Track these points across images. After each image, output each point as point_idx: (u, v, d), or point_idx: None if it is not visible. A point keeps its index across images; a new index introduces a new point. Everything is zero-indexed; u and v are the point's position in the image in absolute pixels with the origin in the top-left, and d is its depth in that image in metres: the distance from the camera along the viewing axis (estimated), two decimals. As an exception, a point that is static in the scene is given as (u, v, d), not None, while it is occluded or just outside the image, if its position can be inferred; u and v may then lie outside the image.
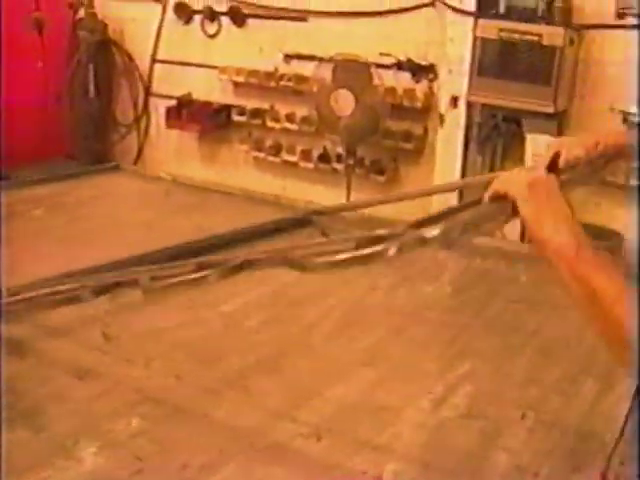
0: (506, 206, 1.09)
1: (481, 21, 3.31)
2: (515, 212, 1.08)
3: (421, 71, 3.71)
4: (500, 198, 1.12)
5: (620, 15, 3.32)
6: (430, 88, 3.72)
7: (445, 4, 3.44)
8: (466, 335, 1.61)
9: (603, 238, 3.39)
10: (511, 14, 3.34)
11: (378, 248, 1.03)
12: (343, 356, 1.46)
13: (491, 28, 3.29)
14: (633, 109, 3.38)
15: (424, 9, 3.62)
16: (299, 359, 1.45)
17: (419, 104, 3.68)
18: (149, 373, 1.34)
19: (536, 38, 3.21)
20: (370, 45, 3.68)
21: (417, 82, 3.73)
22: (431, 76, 3.71)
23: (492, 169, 3.61)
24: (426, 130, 3.81)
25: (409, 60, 3.69)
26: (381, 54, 3.68)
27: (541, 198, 1.08)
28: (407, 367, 1.45)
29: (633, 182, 3.31)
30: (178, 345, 1.44)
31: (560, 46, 3.19)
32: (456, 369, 1.44)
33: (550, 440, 1.22)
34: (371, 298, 1.74)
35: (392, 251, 1.03)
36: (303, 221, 2.15)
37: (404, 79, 3.73)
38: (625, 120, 3.40)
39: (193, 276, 1.03)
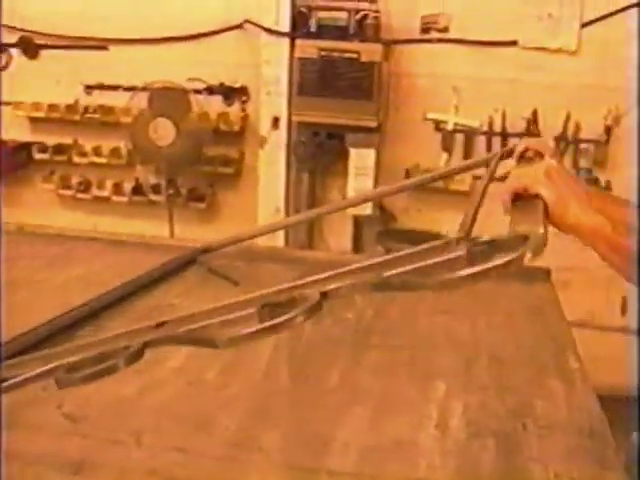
0: (533, 206, 1.12)
1: (299, 41, 3.41)
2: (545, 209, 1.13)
3: (233, 94, 3.74)
4: (519, 197, 1.19)
5: (425, 30, 3.61)
6: (244, 110, 3.77)
7: (258, 26, 3.51)
8: (418, 354, 1.66)
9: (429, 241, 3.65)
10: (323, 32, 3.50)
11: (285, 317, 0.96)
12: (325, 396, 1.46)
13: (310, 48, 3.40)
14: (445, 118, 3.68)
15: (233, 31, 3.67)
16: (285, 406, 1.42)
17: (236, 127, 3.71)
18: (148, 451, 1.24)
19: (355, 55, 3.38)
20: (179, 70, 3.64)
21: (229, 105, 3.76)
22: (244, 98, 3.76)
23: (317, 186, 3.76)
24: (242, 153, 3.85)
25: (221, 84, 3.72)
26: (189, 79, 3.66)
27: (560, 183, 1.16)
28: (390, 397, 1.47)
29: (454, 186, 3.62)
30: (156, 412, 1.35)
31: (378, 62, 3.39)
32: (435, 390, 1.48)
33: (562, 443, 1.31)
34: (307, 331, 1.75)
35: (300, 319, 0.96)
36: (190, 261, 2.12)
37: (216, 103, 3.75)
38: (437, 128, 3.71)
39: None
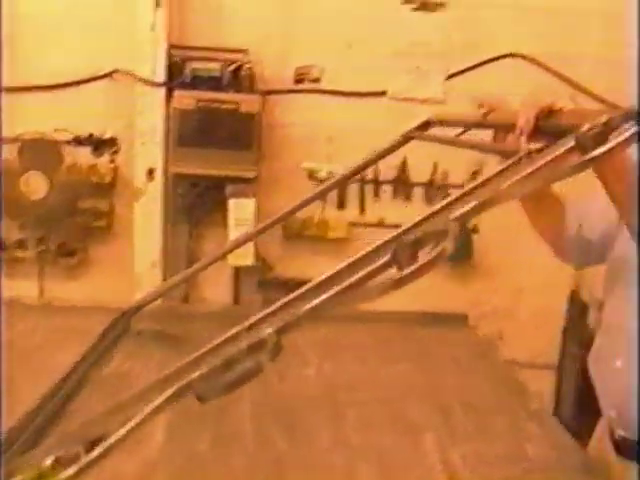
0: None
1: (177, 92, 3.69)
2: None
3: (103, 145, 3.96)
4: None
5: (298, 81, 4.02)
6: (113, 162, 3.99)
7: (133, 75, 3.76)
8: (393, 407, 1.92)
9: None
10: (198, 83, 3.81)
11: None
12: (326, 457, 1.68)
13: (187, 98, 3.70)
14: (318, 166, 4.08)
15: (102, 81, 3.90)
16: (294, 472, 1.64)
17: (107, 179, 3.92)
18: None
19: (234, 106, 3.71)
20: (46, 121, 3.81)
21: (99, 157, 3.96)
22: (114, 149, 3.98)
23: (197, 237, 4.04)
24: (113, 206, 4.05)
25: (90, 135, 3.92)
26: (57, 130, 3.84)
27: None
28: (387, 453, 1.63)
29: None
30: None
31: (257, 112, 3.74)
32: (423, 440, 1.70)
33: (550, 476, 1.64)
34: (276, 390, 1.96)
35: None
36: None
37: (85, 154, 3.94)
38: (311, 177, 4.10)
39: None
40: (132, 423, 0.92)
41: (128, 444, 0.96)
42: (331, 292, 0.94)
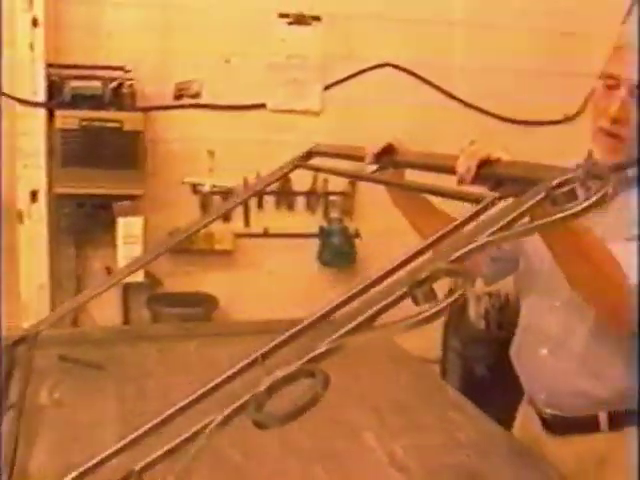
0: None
1: (59, 112, 3.84)
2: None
3: (-21, 168, 4.06)
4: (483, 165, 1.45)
5: (178, 96, 4.25)
6: (-8, 185, 4.09)
7: (11, 97, 3.89)
8: (328, 410, 2.16)
9: (199, 303, 4.26)
10: (78, 102, 3.97)
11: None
12: (280, 462, 1.77)
13: (70, 118, 3.86)
14: (201, 180, 4.33)
15: (-23, 104, 4.00)
16: None
17: (-13, 203, 4.03)
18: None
19: (117, 124, 3.90)
20: None
21: (-24, 181, 4.06)
22: (-7, 173, 4.08)
23: (84, 257, 4.20)
24: (-6, 230, 4.15)
25: (-36, 158, 4.01)
26: None
27: None
28: (335, 452, 1.83)
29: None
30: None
31: (141, 130, 3.95)
32: (365, 438, 1.88)
33: (508, 463, 1.86)
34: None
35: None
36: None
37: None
38: (195, 191, 4.35)
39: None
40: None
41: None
42: (355, 322, 1.04)
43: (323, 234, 4.47)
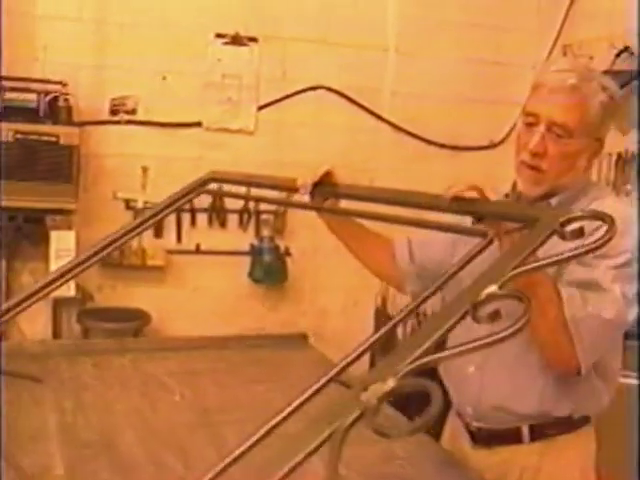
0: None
1: (-5, 124, 3.86)
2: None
3: None
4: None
5: (114, 112, 4.28)
6: None
7: (-56, 108, 3.88)
8: (260, 422, 2.22)
9: (131, 318, 4.28)
10: (12, 114, 3.97)
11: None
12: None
13: (5, 130, 3.86)
14: (134, 196, 4.37)
15: None
16: None
17: None
18: None
19: (54, 138, 3.91)
20: None
21: None
22: None
23: (14, 271, 4.19)
24: None
25: None
26: None
27: None
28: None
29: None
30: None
31: (76, 144, 3.97)
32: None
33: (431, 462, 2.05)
34: (145, 418, 2.24)
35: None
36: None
37: None
38: (128, 207, 4.38)
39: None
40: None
41: None
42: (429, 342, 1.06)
43: (254, 251, 4.53)
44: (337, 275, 4.48)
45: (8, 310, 1.94)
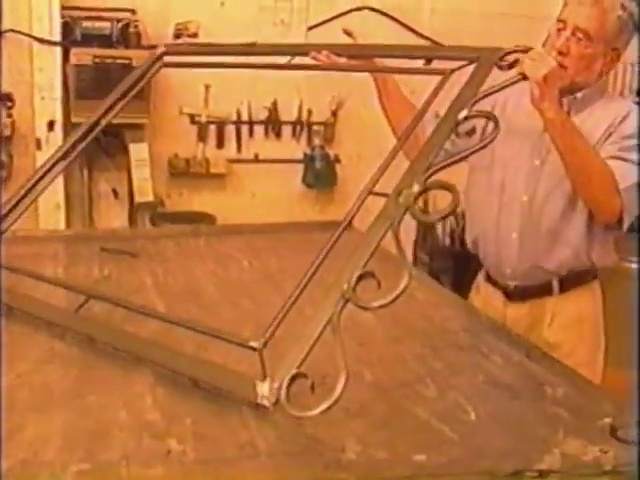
0: None
1: (74, 50, 4.36)
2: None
3: (-1, 101, 4.57)
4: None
5: (177, 36, 4.75)
6: (10, 116, 4.60)
7: (29, 35, 4.39)
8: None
9: (197, 220, 4.82)
10: (88, 41, 4.48)
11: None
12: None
13: (85, 55, 4.37)
14: (198, 111, 4.87)
15: (-7, 41, 4.49)
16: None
17: (7, 132, 4.54)
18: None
19: (127, 61, 4.41)
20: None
21: (-5, 112, 4.57)
22: (9, 104, 4.59)
23: (95, 179, 4.75)
24: (11, 157, 4.67)
25: (-13, 92, 4.52)
26: (-51, 89, 4.42)
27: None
28: None
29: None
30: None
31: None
32: None
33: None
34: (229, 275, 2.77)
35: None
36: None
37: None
38: (192, 121, 4.89)
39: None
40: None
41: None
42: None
43: (307, 159, 5.03)
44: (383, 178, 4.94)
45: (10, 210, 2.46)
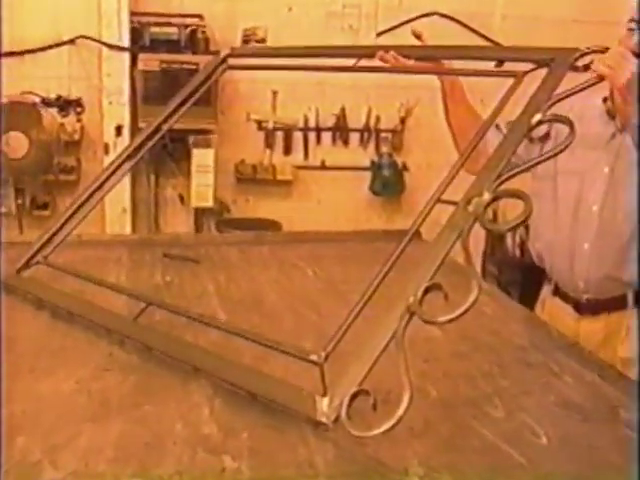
0: None
1: (142, 55, 4.38)
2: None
3: (69, 106, 4.61)
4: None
5: (245, 41, 4.74)
6: (79, 121, 4.65)
7: (98, 41, 4.43)
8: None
9: (263, 227, 4.79)
10: (156, 46, 4.50)
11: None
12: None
13: (152, 61, 4.39)
14: (265, 117, 4.85)
15: (64, 47, 4.55)
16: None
17: (76, 137, 4.59)
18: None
19: (194, 66, 4.41)
20: (13, 85, 4.42)
21: (64, 117, 4.61)
22: (79, 109, 4.64)
23: (161, 185, 4.77)
24: (79, 161, 4.72)
25: (58, 97, 4.56)
26: (23, 93, 4.47)
27: None
28: None
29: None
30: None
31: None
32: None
33: None
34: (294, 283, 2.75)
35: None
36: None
37: (52, 115, 4.58)
38: (260, 127, 4.88)
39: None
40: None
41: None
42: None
43: (374, 167, 4.97)
44: (451, 189, 4.86)
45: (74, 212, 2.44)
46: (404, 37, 4.87)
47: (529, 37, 4.94)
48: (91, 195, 2.54)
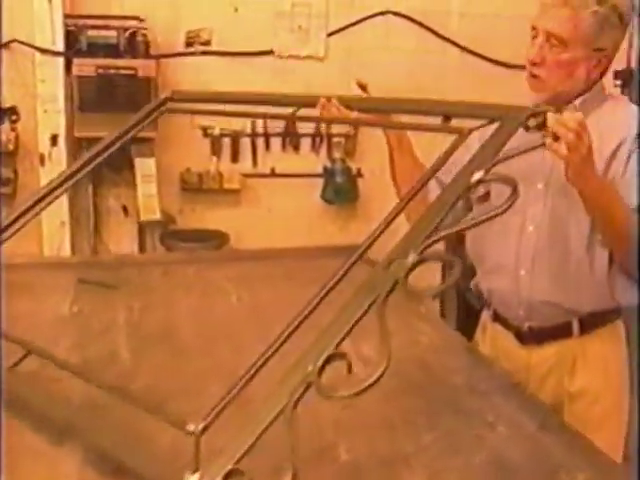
0: None
1: (76, 60, 4.11)
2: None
3: (4, 114, 4.35)
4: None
5: (189, 44, 4.51)
6: (14, 130, 4.38)
7: (31, 46, 4.16)
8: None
9: (210, 238, 4.56)
10: (94, 50, 4.24)
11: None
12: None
13: (87, 66, 4.13)
14: (211, 124, 4.61)
15: (-2, 51, 4.28)
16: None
17: (10, 147, 4.32)
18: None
19: (132, 72, 4.17)
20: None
21: (-1, 125, 4.36)
22: (14, 117, 4.37)
23: (101, 196, 4.52)
24: (16, 172, 4.45)
25: (-10, 105, 4.30)
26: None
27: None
28: None
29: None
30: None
31: (153, 76, 4.22)
32: None
33: None
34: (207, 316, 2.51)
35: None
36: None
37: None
38: (205, 134, 4.63)
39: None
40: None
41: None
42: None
43: (327, 173, 4.74)
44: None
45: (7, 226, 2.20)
46: (356, 37, 4.71)
47: (488, 36, 4.75)
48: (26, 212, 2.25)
